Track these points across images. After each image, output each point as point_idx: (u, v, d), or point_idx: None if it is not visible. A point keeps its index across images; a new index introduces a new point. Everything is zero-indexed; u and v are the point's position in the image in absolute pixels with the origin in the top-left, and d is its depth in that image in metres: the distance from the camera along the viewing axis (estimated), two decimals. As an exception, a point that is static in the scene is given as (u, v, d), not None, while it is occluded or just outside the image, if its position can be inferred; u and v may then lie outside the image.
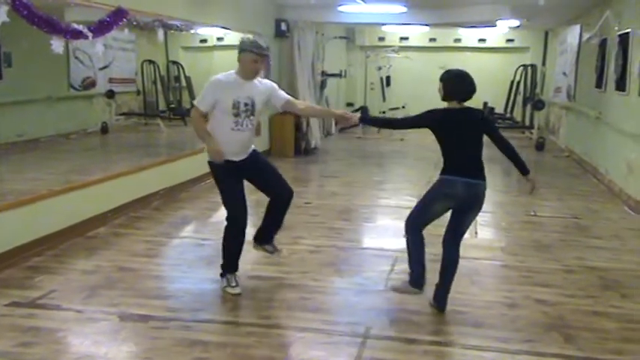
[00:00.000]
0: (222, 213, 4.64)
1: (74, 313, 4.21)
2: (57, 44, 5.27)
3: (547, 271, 5.28)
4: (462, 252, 4.38)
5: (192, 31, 9.14)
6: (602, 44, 9.74)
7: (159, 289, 4.80)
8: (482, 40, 16.97)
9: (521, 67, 14.92)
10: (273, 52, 11.35)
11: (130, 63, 11.86)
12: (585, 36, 10.83)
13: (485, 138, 4.21)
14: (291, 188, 4.73)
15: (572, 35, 12.03)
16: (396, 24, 13.88)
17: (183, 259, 5.50)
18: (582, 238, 6.34)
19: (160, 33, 7.40)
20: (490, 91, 15.37)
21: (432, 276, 4.41)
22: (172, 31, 8.23)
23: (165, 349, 3.72)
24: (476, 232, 6.29)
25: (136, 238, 6.04)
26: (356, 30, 17.15)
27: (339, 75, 15.26)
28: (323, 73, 13.45)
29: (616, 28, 8.84)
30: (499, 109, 15.44)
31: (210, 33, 11.12)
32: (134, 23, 6.86)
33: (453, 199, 4.13)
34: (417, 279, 4.29)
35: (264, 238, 4.86)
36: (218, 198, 4.60)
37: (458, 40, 17.14)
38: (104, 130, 11.37)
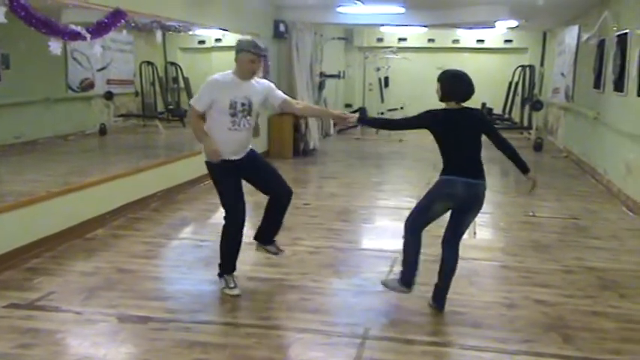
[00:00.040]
0: (220, 214, 4.63)
1: (73, 314, 4.21)
2: (55, 45, 5.26)
3: (546, 271, 5.28)
4: (460, 253, 4.38)
5: (190, 33, 9.15)
6: (601, 45, 9.75)
7: (158, 290, 4.80)
8: (480, 41, 16.98)
9: (520, 68, 14.95)
10: (272, 53, 11.35)
11: (128, 64, 11.84)
12: (584, 36, 10.84)
13: (485, 139, 4.21)
14: (290, 187, 4.73)
15: (571, 36, 12.05)
16: (395, 25, 13.88)
17: (182, 260, 5.50)
18: (581, 239, 6.34)
19: (158, 34, 7.41)
20: (488, 91, 15.38)
21: (432, 276, 4.42)
22: (170, 33, 8.23)
23: (164, 350, 3.72)
24: (475, 233, 6.30)
25: (134, 240, 6.04)
26: (354, 31, 17.17)
27: (338, 76, 15.27)
28: (321, 74, 13.46)
29: (614, 28, 8.85)
30: (497, 110, 15.47)
31: (209, 34, 11.13)
32: (132, 24, 6.87)
33: (454, 199, 4.14)
34: (407, 279, 4.32)
35: (266, 238, 4.86)
36: (216, 199, 4.60)
37: (456, 41, 17.16)
38: (102, 131, 11.35)
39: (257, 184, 4.68)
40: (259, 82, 4.62)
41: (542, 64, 15.87)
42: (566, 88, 12.22)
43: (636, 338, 4.04)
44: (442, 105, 4.25)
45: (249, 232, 4.73)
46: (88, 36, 5.69)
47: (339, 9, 11.66)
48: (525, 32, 16.09)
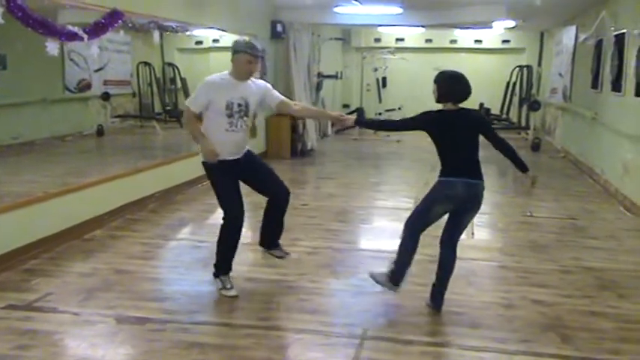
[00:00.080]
0: (218, 215, 4.63)
1: (71, 315, 4.20)
2: (52, 46, 5.25)
3: (544, 271, 5.29)
4: (459, 253, 4.38)
5: (187, 33, 9.13)
6: (598, 45, 9.76)
7: (156, 291, 4.79)
8: (478, 41, 16.99)
9: (517, 68, 14.96)
10: (269, 53, 11.35)
11: (126, 65, 11.83)
12: (581, 37, 10.85)
13: (482, 139, 4.21)
14: (287, 188, 4.73)
15: (568, 36, 12.06)
16: (392, 25, 13.88)
17: (180, 261, 5.49)
18: (579, 239, 6.35)
19: (156, 34, 7.39)
20: (486, 92, 15.38)
21: (430, 276, 4.43)
22: (168, 33, 8.21)
23: (162, 351, 3.72)
24: (472, 233, 6.30)
25: (132, 241, 6.03)
26: (352, 31, 17.16)
27: (335, 76, 15.27)
28: (319, 75, 13.45)
29: (612, 28, 8.86)
30: (495, 110, 15.49)
31: (206, 35, 11.11)
32: (129, 25, 6.85)
33: (454, 200, 4.14)
34: (397, 278, 4.34)
35: (270, 243, 4.86)
36: (214, 200, 4.60)
37: (454, 42, 17.15)
38: (100, 132, 11.34)
39: (254, 185, 4.69)
40: (256, 83, 4.61)
41: (539, 65, 15.89)
42: (563, 89, 12.23)
43: (634, 338, 4.05)
44: (439, 106, 4.25)
45: (247, 233, 4.73)
46: (85, 36, 5.67)
47: (336, 9, 11.67)
48: (523, 32, 16.11)
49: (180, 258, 5.59)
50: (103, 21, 5.90)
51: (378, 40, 17.35)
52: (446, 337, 4.08)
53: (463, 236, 4.47)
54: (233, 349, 3.75)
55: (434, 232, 4.41)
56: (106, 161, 10.18)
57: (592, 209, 7.70)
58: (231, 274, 4.68)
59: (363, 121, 4.70)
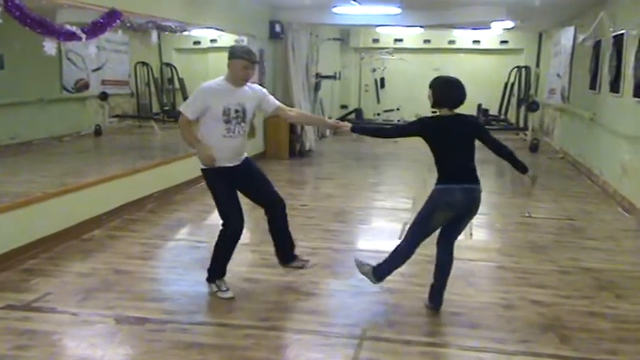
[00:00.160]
0: (216, 216, 4.62)
1: (70, 315, 4.20)
2: (50, 46, 5.24)
3: (542, 272, 5.29)
4: (457, 254, 4.39)
5: (185, 33, 9.14)
6: (597, 46, 9.77)
7: (155, 291, 4.79)
8: (476, 42, 16.99)
9: (516, 69, 14.98)
10: (268, 54, 11.35)
11: (123, 65, 11.84)
12: (579, 37, 10.85)
13: (479, 144, 4.22)
14: (282, 198, 4.72)
15: (567, 37, 12.07)
16: (391, 25, 13.88)
17: (178, 261, 5.48)
18: (577, 240, 6.36)
19: (154, 34, 7.37)
20: (484, 92, 15.47)
21: (428, 277, 4.44)
22: (166, 33, 8.21)
23: (161, 351, 3.71)
24: (471, 234, 6.30)
25: (131, 241, 6.02)
26: (350, 32, 17.17)
27: (334, 77, 15.28)
28: (317, 75, 13.45)
29: (610, 29, 8.87)
30: (493, 111, 15.50)
31: (204, 35, 11.12)
32: (128, 25, 6.83)
33: (453, 207, 4.14)
34: (382, 275, 4.40)
35: (286, 257, 4.84)
36: (213, 201, 4.58)
37: (452, 42, 17.16)
38: (97, 132, 11.35)
39: (250, 194, 4.63)
40: (252, 88, 4.58)
41: (538, 65, 15.89)
42: (562, 89, 12.24)
43: (633, 338, 4.05)
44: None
45: (245, 234, 4.70)
46: (84, 36, 5.66)
47: (335, 9, 11.67)
48: (521, 33, 16.12)
49: (179, 258, 5.58)
50: (101, 21, 5.89)
51: (376, 40, 17.35)
52: (445, 338, 4.08)
53: (461, 237, 4.48)
54: (232, 350, 3.75)
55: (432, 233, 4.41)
56: (104, 161, 10.17)
57: (590, 210, 7.71)
58: (229, 274, 4.68)
59: (359, 128, 4.70)
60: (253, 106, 4.56)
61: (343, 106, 17.54)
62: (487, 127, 14.07)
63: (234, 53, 4.37)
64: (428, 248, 4.46)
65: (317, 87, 13.53)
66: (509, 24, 13.00)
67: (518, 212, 7.52)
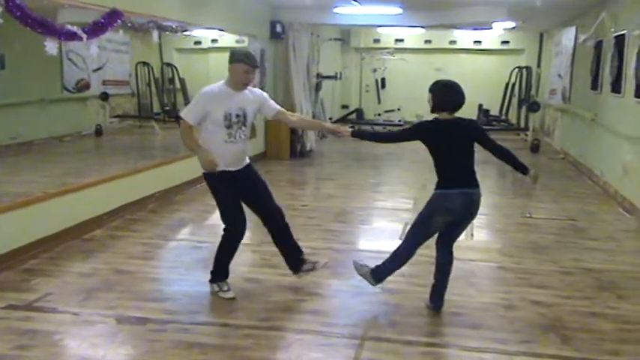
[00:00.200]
0: (218, 215, 4.62)
1: (71, 315, 4.20)
2: (51, 46, 5.24)
3: (543, 272, 5.29)
4: (458, 254, 4.40)
5: (186, 33, 9.14)
6: (598, 46, 9.76)
7: (156, 291, 4.79)
8: (477, 42, 16.97)
9: (517, 69, 14.96)
10: (269, 54, 11.35)
11: (124, 65, 11.83)
12: (581, 38, 10.85)
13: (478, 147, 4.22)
14: (281, 208, 4.72)
15: (568, 37, 12.07)
16: (392, 26, 13.88)
17: (179, 261, 5.48)
18: (578, 240, 6.35)
19: (155, 34, 7.38)
20: (485, 93, 15.45)
21: (429, 277, 4.44)
22: (167, 33, 8.21)
23: (162, 351, 3.72)
24: (472, 235, 6.30)
25: (132, 241, 6.02)
26: (351, 32, 17.15)
27: (335, 77, 15.27)
28: (318, 75, 13.45)
29: (612, 29, 8.86)
30: (494, 111, 15.48)
31: (205, 35, 11.12)
32: (129, 25, 6.84)
33: (453, 212, 4.16)
34: (380, 276, 4.41)
35: (297, 264, 4.82)
36: (214, 201, 4.57)
37: (453, 42, 17.14)
38: (98, 132, 11.35)
39: (250, 201, 4.59)
40: (253, 92, 4.56)
41: (539, 66, 15.89)
42: (563, 90, 12.24)
43: (634, 339, 4.05)
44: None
45: (247, 234, 4.69)
46: (85, 36, 5.66)
47: (336, 10, 11.66)
48: (522, 33, 16.11)
49: (180, 258, 5.58)
50: (102, 20, 5.89)
51: (377, 40, 17.34)
52: (446, 338, 4.08)
53: (462, 237, 4.49)
54: (233, 350, 3.75)
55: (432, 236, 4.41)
56: (104, 161, 10.17)
57: (591, 210, 7.70)
58: (230, 275, 4.67)
59: (358, 133, 4.70)
60: (254, 111, 4.54)
61: (344, 106, 17.53)
62: (488, 127, 14.12)
63: (234, 57, 4.34)
64: (429, 249, 4.45)
65: (318, 87, 13.52)
66: (511, 24, 12.99)
67: (519, 213, 7.52)
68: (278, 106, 4.70)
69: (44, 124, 10.21)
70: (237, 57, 4.34)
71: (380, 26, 15.06)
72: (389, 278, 4.49)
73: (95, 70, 11.20)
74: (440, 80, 4.30)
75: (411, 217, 4.56)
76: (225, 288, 4.58)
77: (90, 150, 11.16)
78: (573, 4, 10.47)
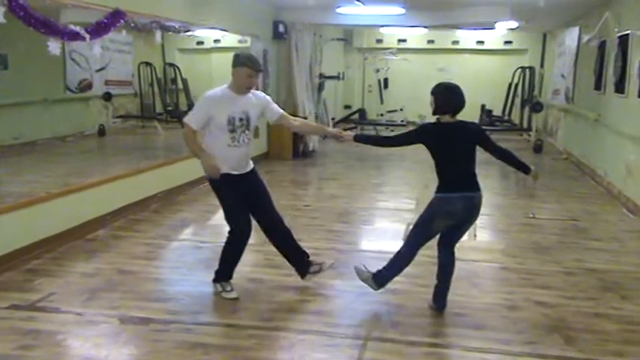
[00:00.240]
0: (220, 216, 4.62)
1: (74, 315, 4.20)
2: (54, 46, 5.24)
3: (547, 273, 5.28)
4: (461, 254, 4.40)
5: (189, 33, 9.13)
6: (602, 46, 9.74)
7: (159, 291, 4.79)
8: (480, 42, 16.95)
9: (520, 69, 14.93)
10: (271, 54, 11.35)
11: (127, 65, 11.82)
12: (584, 38, 10.84)
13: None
14: (280, 216, 4.71)
15: (571, 37, 12.05)
16: (394, 26, 13.87)
17: (182, 261, 5.48)
18: (581, 240, 6.34)
19: (158, 35, 7.37)
20: (488, 93, 15.44)
21: (432, 278, 4.43)
22: (170, 34, 8.21)
23: (165, 351, 3.71)
24: (475, 235, 6.28)
25: (135, 241, 6.02)
26: (354, 32, 17.16)
27: (337, 77, 15.27)
28: (321, 76, 13.44)
29: (615, 29, 8.84)
30: (497, 112, 15.45)
31: (207, 35, 11.11)
32: (131, 25, 6.84)
33: (454, 216, 4.16)
34: (382, 280, 4.41)
35: (303, 267, 4.81)
36: (216, 201, 4.57)
37: (456, 42, 17.13)
38: (101, 132, 11.33)
39: (251, 206, 4.57)
40: (256, 95, 4.56)
41: (542, 66, 15.87)
42: (566, 90, 12.22)
43: (638, 340, 4.04)
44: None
45: (252, 239, 4.68)
46: (88, 36, 5.67)
47: (338, 10, 11.65)
48: (525, 33, 16.09)
49: (183, 258, 5.58)
50: (105, 21, 5.89)
51: (379, 40, 17.34)
52: (449, 339, 4.07)
53: (465, 237, 4.48)
54: (236, 350, 3.74)
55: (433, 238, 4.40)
56: (107, 161, 10.17)
57: (595, 211, 7.68)
58: (234, 275, 4.67)
59: (361, 138, 4.69)
60: (257, 114, 4.54)
61: (347, 107, 17.53)
62: (491, 128, 14.10)
63: (238, 61, 4.33)
64: (431, 249, 4.45)
65: (320, 87, 13.51)
66: (514, 24, 12.98)
67: (522, 213, 7.51)
68: (281, 110, 4.69)
69: (47, 124, 10.21)
70: (241, 61, 4.33)
71: (383, 26, 15.07)
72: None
73: (98, 70, 11.18)
74: (442, 83, 4.30)
75: (413, 218, 4.56)
76: (229, 288, 4.58)
77: (93, 150, 11.15)
78: (577, 4, 10.46)
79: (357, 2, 10.54)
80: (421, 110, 12.28)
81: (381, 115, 16.78)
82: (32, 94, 9.68)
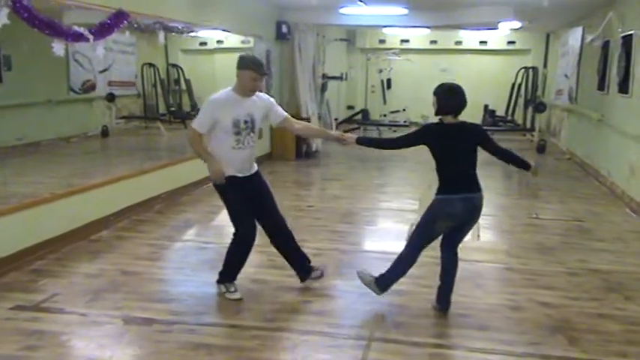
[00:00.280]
0: (223, 217, 4.64)
1: (78, 316, 4.21)
2: (58, 47, 5.25)
3: (550, 273, 5.28)
4: (464, 255, 4.40)
5: (192, 34, 9.14)
6: (605, 46, 9.73)
7: (162, 292, 4.79)
8: (483, 43, 16.91)
9: (523, 70, 14.92)
10: (274, 54, 11.36)
11: (130, 66, 11.84)
12: (588, 38, 10.81)
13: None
14: (284, 218, 4.71)
15: (574, 37, 12.03)
16: (397, 26, 13.86)
17: (186, 262, 5.49)
18: (585, 241, 6.33)
19: (161, 35, 7.39)
20: (491, 93, 15.43)
21: (435, 278, 4.43)
22: (173, 34, 8.22)
23: (169, 352, 3.72)
24: (478, 236, 6.27)
25: (138, 242, 6.03)
26: (357, 32, 17.15)
27: (340, 78, 15.24)
28: (324, 76, 13.44)
29: (619, 29, 8.83)
30: (500, 112, 15.44)
31: (210, 36, 11.12)
32: (135, 26, 6.84)
33: (454, 218, 4.16)
34: (385, 284, 4.41)
35: (304, 271, 4.80)
36: (220, 201, 4.57)
37: (459, 43, 17.09)
38: (104, 133, 11.36)
39: (255, 208, 4.57)
40: (260, 97, 4.55)
41: (545, 66, 15.84)
42: (569, 90, 12.21)
43: (642, 341, 4.04)
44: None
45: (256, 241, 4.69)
46: (91, 37, 5.67)
47: (341, 10, 11.66)
48: (528, 34, 16.06)
49: (187, 259, 5.59)
50: (108, 22, 5.90)
51: (382, 41, 17.34)
52: (453, 339, 4.07)
53: (469, 238, 4.48)
54: (240, 351, 3.75)
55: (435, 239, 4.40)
56: (111, 162, 10.19)
57: (598, 211, 7.67)
58: (237, 276, 4.67)
59: (363, 141, 4.69)
60: (262, 116, 4.54)
61: (350, 107, 17.53)
62: (494, 128, 14.07)
63: (242, 63, 4.34)
64: (434, 250, 4.45)
65: (324, 88, 13.50)
66: (517, 24, 12.96)
67: (526, 213, 7.50)
68: (285, 113, 4.68)
69: (51, 125, 10.23)
70: (245, 64, 4.33)
71: (385, 27, 15.06)
72: (371, 274, 4.50)
73: (101, 71, 11.21)
74: (444, 83, 4.30)
75: (416, 218, 4.55)
76: (232, 289, 4.59)
77: (96, 151, 11.17)
78: (580, 4, 10.44)
79: (359, 3, 10.54)
80: (424, 111, 12.26)
81: (384, 115, 16.78)
82: (36, 95, 9.70)
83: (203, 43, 11.91)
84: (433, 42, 17.06)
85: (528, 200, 8.44)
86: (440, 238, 4.34)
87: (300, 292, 4.73)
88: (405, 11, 11.58)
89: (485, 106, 15.15)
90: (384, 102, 16.89)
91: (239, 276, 4.66)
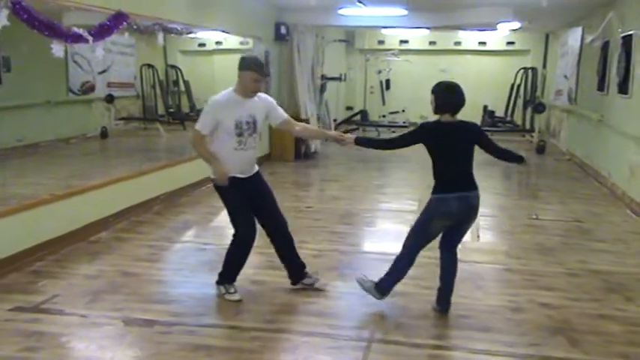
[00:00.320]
0: (223, 218, 4.64)
1: (78, 317, 4.20)
2: (57, 48, 5.25)
3: (551, 274, 5.27)
4: (464, 256, 4.40)
5: (191, 35, 9.13)
6: (605, 46, 9.73)
7: (162, 293, 4.78)
8: (482, 43, 16.91)
9: (522, 70, 14.92)
10: (273, 55, 11.35)
11: (129, 67, 11.82)
12: (587, 38, 10.81)
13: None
14: (285, 219, 4.70)
15: (574, 38, 12.03)
16: (396, 27, 13.86)
17: (185, 263, 5.48)
18: (585, 242, 6.33)
19: (160, 37, 7.37)
20: (490, 94, 15.42)
21: (436, 279, 4.42)
22: (172, 35, 8.21)
23: (169, 353, 3.71)
24: (478, 236, 6.27)
25: (138, 243, 6.02)
26: (356, 33, 17.15)
27: (339, 78, 15.24)
28: (323, 77, 13.44)
29: (619, 29, 8.83)
30: (499, 113, 15.43)
31: (209, 37, 11.12)
32: (134, 27, 6.83)
33: (451, 217, 4.15)
34: (384, 288, 4.40)
35: (297, 275, 4.79)
36: (219, 202, 4.57)
37: (458, 43, 17.09)
38: (104, 134, 11.34)
39: (255, 209, 4.55)
40: (261, 98, 4.55)
41: (544, 66, 15.84)
42: (569, 91, 12.21)
43: (643, 341, 4.03)
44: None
45: (256, 242, 4.68)
46: (90, 39, 5.68)
47: (340, 11, 11.64)
48: (528, 34, 16.06)
49: (186, 260, 5.58)
50: (108, 23, 5.90)
51: (381, 42, 17.34)
52: (453, 341, 4.06)
53: (468, 239, 4.47)
54: (240, 352, 3.74)
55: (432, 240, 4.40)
56: (110, 163, 10.18)
57: (598, 212, 7.67)
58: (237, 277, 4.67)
59: (362, 141, 4.69)
60: (263, 117, 4.54)
61: (349, 108, 17.52)
62: (493, 129, 14.07)
63: (244, 64, 4.33)
64: (434, 251, 4.44)
65: (322, 89, 13.50)
66: (516, 25, 12.95)
67: (526, 214, 7.49)
68: (285, 115, 4.67)
69: (50, 126, 10.21)
70: (247, 64, 4.33)
71: (384, 27, 15.05)
72: (370, 279, 4.49)
73: (100, 73, 11.19)
74: (442, 82, 4.30)
75: (415, 219, 4.54)
76: (232, 290, 4.58)
77: (95, 152, 11.15)
78: (580, 5, 10.44)
79: (358, 3, 10.53)
80: (423, 111, 12.25)
81: (383, 116, 16.77)
82: (35, 97, 9.68)
83: (202, 45, 11.90)
84: (432, 43, 17.06)
85: (528, 201, 8.43)
86: (439, 238, 4.34)
87: (300, 293, 4.72)
88: (404, 12, 11.56)
89: (485, 107, 15.14)
90: (383, 103, 16.88)
91: (239, 277, 4.65)
